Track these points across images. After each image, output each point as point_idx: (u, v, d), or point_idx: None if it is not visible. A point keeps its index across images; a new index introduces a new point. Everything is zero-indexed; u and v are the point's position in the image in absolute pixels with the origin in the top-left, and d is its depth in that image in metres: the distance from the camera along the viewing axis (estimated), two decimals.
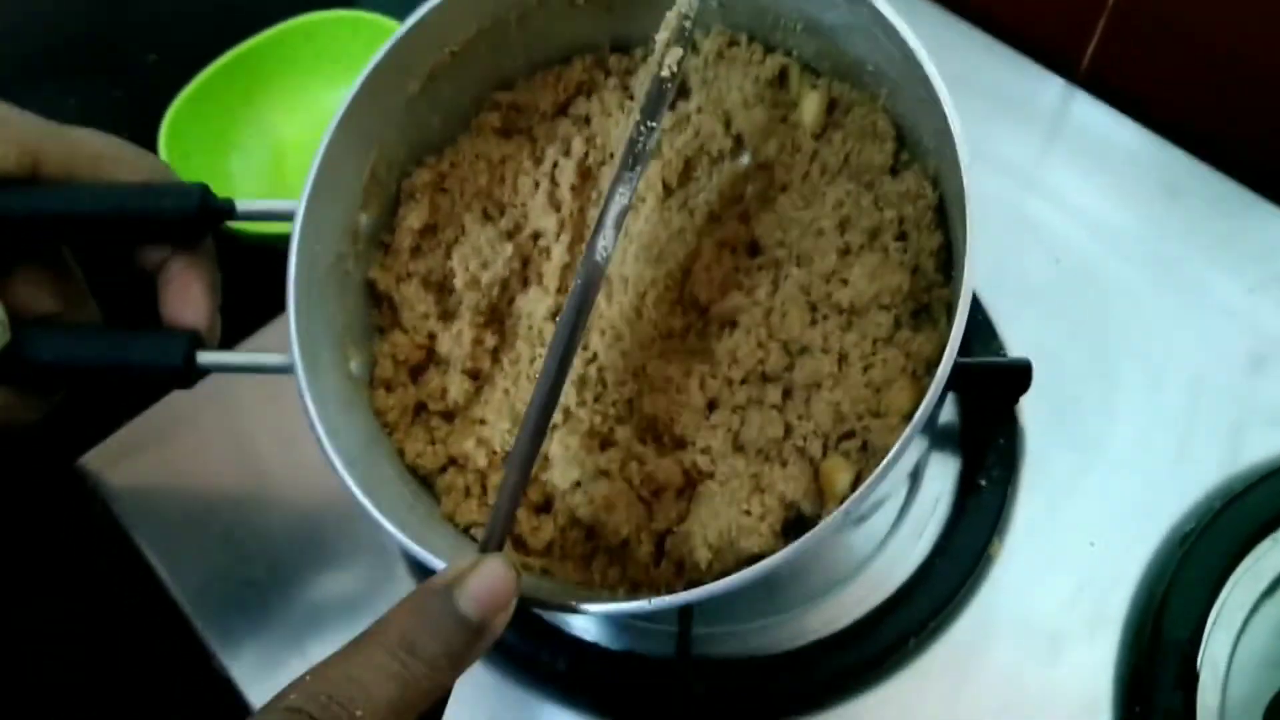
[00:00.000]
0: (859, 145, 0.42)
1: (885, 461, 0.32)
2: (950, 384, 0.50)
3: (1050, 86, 0.62)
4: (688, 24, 0.39)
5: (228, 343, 0.44)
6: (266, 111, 0.69)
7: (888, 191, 0.42)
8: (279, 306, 0.40)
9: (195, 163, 0.65)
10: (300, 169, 0.68)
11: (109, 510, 0.54)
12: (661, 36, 0.39)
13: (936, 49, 0.63)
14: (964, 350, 0.52)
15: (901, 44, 0.37)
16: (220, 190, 0.42)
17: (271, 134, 0.69)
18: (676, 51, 0.38)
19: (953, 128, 0.35)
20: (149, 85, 0.75)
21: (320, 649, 0.47)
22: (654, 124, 0.36)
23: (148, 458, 0.55)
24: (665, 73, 0.37)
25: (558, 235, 0.45)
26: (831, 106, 0.44)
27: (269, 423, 0.55)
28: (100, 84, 0.77)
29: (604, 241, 0.33)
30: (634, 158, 0.35)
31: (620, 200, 0.34)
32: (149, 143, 0.65)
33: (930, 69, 0.36)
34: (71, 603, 0.59)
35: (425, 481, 0.43)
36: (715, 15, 0.45)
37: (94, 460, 0.55)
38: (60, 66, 0.77)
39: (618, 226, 0.34)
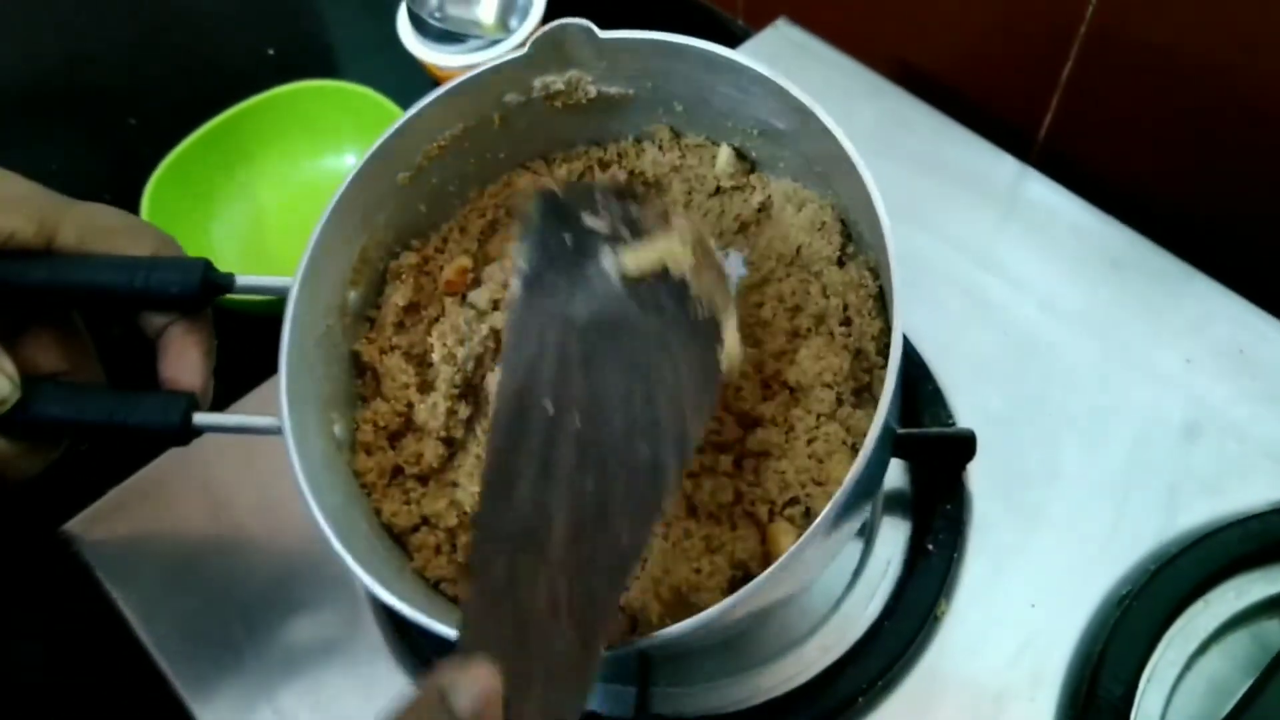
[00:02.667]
0: (809, 239, 0.48)
1: (816, 522, 0.37)
2: (901, 453, 0.56)
3: (1004, 166, 0.68)
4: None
5: (218, 405, 0.48)
6: (248, 179, 0.74)
7: (834, 281, 0.47)
8: (266, 372, 0.44)
9: (177, 228, 0.65)
10: (281, 236, 0.73)
11: (90, 571, 0.58)
12: None
13: (899, 129, 0.70)
14: (915, 420, 0.58)
15: (841, 150, 0.43)
16: (201, 254, 0.46)
17: (253, 201, 0.73)
18: None
19: (883, 226, 0.40)
20: (130, 148, 0.79)
21: (291, 700, 0.52)
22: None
23: (129, 520, 0.59)
24: None
25: None
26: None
27: (246, 488, 0.59)
28: (81, 146, 0.81)
29: None
30: None
31: None
32: (130, 205, 0.68)
33: (865, 174, 0.42)
34: (46, 657, 0.62)
35: (398, 540, 0.47)
36: (682, 119, 0.51)
37: (77, 525, 0.59)
38: (41, 129, 0.81)
39: None
